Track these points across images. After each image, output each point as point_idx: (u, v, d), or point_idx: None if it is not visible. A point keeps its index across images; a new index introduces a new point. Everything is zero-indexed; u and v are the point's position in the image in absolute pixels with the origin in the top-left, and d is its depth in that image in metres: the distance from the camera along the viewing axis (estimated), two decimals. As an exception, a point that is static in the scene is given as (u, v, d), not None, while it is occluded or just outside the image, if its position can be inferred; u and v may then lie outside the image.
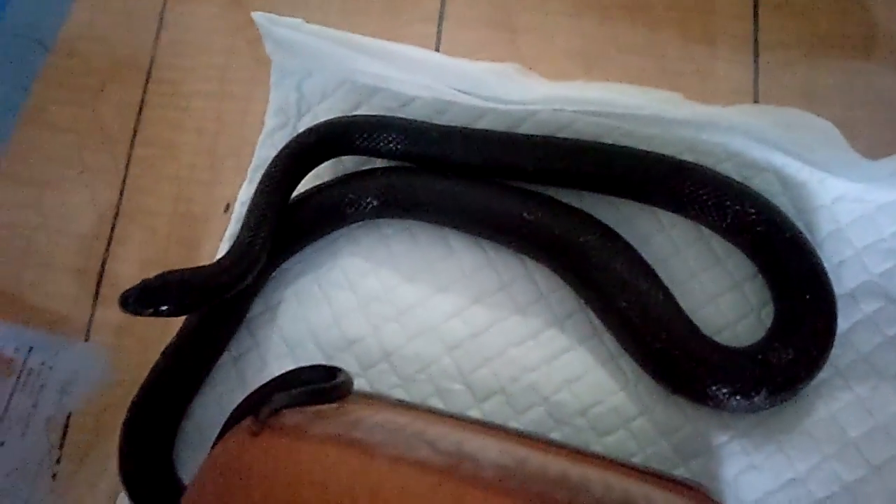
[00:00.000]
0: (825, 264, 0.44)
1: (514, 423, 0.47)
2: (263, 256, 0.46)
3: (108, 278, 0.56)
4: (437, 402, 0.48)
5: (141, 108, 0.59)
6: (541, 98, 0.49)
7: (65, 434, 0.53)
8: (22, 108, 0.59)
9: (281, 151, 0.50)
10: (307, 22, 0.54)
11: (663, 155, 0.47)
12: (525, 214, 0.47)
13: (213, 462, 0.35)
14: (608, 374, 0.48)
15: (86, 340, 0.55)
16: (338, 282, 0.52)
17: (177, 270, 0.44)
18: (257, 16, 0.54)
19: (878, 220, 0.47)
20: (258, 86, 0.57)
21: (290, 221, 0.50)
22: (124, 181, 0.58)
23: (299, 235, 0.51)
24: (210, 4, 0.60)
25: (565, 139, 0.49)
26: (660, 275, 0.46)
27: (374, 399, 0.48)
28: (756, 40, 0.51)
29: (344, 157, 0.53)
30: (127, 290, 0.42)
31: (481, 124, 0.52)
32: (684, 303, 0.45)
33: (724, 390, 0.42)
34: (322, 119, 0.52)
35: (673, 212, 0.48)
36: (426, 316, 0.50)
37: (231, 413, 0.43)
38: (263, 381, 0.45)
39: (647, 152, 0.48)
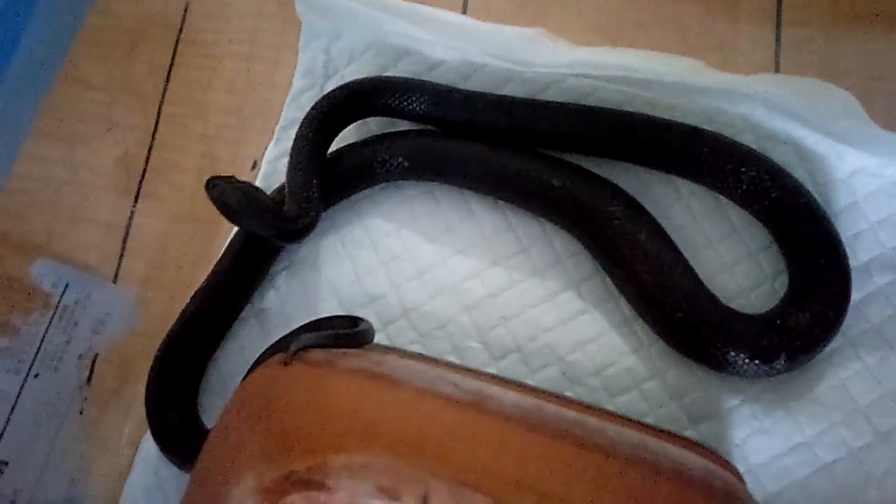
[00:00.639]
0: (840, 237, 0.45)
1: (529, 381, 0.48)
2: (320, 212, 0.49)
3: (135, 232, 0.57)
4: (454, 359, 0.50)
5: (171, 68, 0.60)
6: (566, 62, 0.50)
7: (90, 379, 0.54)
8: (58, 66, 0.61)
9: (314, 108, 0.51)
10: (337, -16, 0.54)
11: (681, 123, 0.48)
12: (554, 181, 0.48)
13: (245, 389, 0.36)
14: (622, 337, 0.48)
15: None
16: (360, 241, 0.53)
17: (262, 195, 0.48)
18: (289, -24, 0.55)
19: (894, 194, 0.47)
20: (287, 49, 0.58)
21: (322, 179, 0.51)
22: (153, 138, 0.59)
23: (330, 192, 0.52)
24: (242, -33, 0.61)
25: (586, 106, 0.50)
26: (677, 243, 0.47)
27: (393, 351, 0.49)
28: (779, 14, 0.52)
29: (369, 120, 0.55)
30: (226, 182, 0.46)
31: (506, 90, 0.53)
32: (700, 270, 0.46)
33: (744, 356, 0.43)
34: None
35: (690, 178, 0.49)
36: (446, 276, 0.51)
37: (258, 357, 0.45)
38: (285, 334, 0.46)
39: (666, 120, 0.48)
